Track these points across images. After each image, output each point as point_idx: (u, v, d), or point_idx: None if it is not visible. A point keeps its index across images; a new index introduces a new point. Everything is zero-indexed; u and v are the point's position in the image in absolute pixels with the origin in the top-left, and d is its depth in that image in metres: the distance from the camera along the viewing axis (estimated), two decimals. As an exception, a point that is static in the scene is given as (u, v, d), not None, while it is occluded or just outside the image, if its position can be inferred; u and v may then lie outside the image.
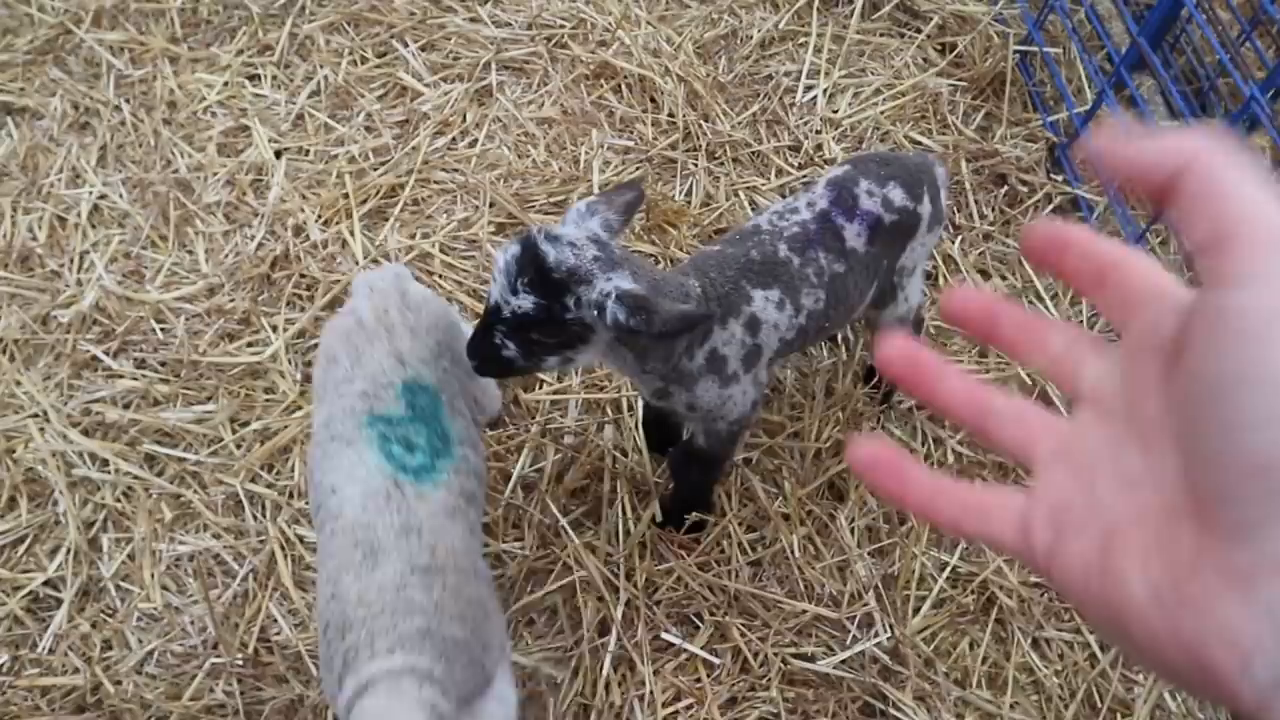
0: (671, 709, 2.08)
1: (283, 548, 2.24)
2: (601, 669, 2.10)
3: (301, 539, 2.26)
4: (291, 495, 2.31)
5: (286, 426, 2.38)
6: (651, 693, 2.08)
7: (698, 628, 2.19)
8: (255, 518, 2.29)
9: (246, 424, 2.42)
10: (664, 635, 2.16)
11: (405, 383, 1.71)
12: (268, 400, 2.45)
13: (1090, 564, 0.47)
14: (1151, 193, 0.47)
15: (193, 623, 2.18)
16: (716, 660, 2.12)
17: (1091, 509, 0.49)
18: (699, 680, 2.11)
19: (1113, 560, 0.46)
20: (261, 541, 2.26)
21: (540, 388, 2.48)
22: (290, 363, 2.50)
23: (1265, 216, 0.42)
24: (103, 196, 2.85)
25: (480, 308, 2.58)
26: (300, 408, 2.42)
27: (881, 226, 1.96)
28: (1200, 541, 0.43)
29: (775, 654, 2.14)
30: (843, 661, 2.16)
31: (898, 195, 1.97)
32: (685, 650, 2.14)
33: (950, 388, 0.58)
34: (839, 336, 2.57)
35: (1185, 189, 0.45)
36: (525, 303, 1.59)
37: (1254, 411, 0.40)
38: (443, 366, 1.78)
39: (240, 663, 2.10)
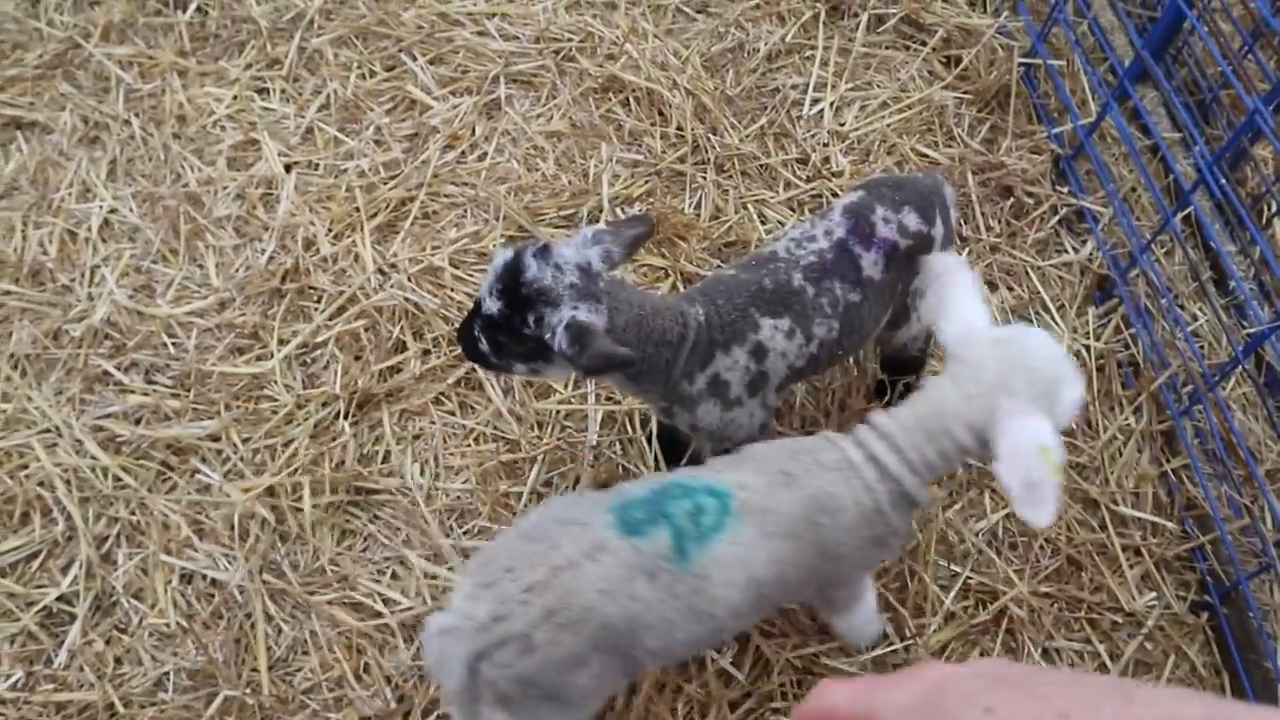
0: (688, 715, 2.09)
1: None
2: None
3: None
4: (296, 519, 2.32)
5: (293, 440, 2.39)
6: (693, 704, 2.09)
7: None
8: (258, 537, 2.30)
9: (249, 440, 2.42)
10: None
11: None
12: (272, 410, 2.46)
13: None
14: None
15: (208, 644, 2.18)
16: (740, 675, 2.12)
17: None
18: (706, 687, 2.12)
19: None
20: (273, 563, 2.27)
21: (551, 396, 2.50)
22: (294, 376, 2.52)
23: None
24: (113, 211, 2.86)
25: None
26: (295, 421, 2.42)
27: (897, 253, 1.98)
28: None
29: (791, 661, 2.14)
30: (857, 670, 2.16)
31: (912, 220, 1.99)
32: (709, 659, 2.15)
33: None
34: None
35: None
36: (493, 307, 1.69)
37: None
38: None
39: (250, 692, 2.10)
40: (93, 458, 2.38)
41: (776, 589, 1.58)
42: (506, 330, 1.69)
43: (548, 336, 1.66)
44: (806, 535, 1.56)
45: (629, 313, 1.74)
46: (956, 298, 1.62)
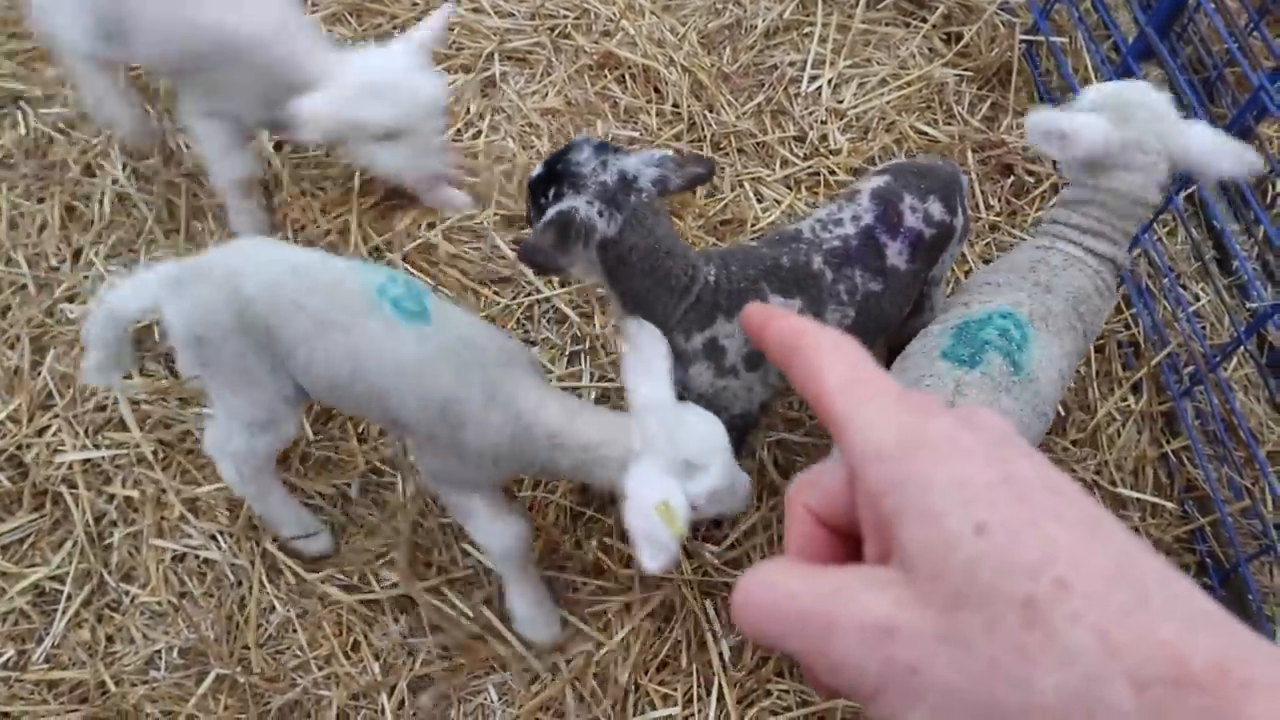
0: (691, 699, 2.08)
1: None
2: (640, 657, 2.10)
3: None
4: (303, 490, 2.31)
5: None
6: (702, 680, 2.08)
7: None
8: (253, 515, 2.29)
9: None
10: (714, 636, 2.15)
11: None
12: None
13: None
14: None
15: (199, 622, 2.17)
16: (747, 658, 2.12)
17: None
18: (709, 666, 2.11)
19: None
20: (274, 539, 2.26)
21: (547, 375, 2.47)
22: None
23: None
24: (115, 185, 2.83)
25: (488, 296, 2.58)
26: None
27: (922, 243, 1.96)
28: None
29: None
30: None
31: (937, 210, 1.97)
32: (711, 640, 2.14)
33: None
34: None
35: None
36: (536, 172, 1.77)
37: None
38: None
39: (241, 670, 2.10)
40: (89, 436, 2.37)
41: (1066, 379, 1.81)
42: (533, 197, 1.77)
43: (549, 212, 1.69)
44: (1078, 326, 1.80)
45: (645, 239, 1.75)
46: (1072, 120, 1.79)
